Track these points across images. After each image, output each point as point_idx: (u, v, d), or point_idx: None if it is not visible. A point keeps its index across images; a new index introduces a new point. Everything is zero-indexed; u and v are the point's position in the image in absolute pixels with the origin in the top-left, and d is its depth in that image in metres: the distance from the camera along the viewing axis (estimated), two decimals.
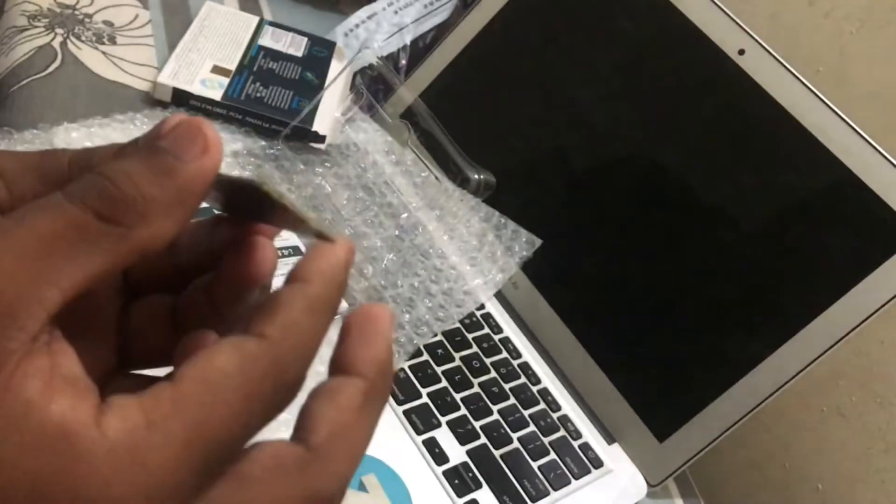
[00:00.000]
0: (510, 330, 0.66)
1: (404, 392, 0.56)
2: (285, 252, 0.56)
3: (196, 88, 0.63)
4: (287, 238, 0.57)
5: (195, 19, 0.72)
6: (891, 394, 0.71)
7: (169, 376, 0.19)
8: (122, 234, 0.19)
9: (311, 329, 0.20)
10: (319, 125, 0.65)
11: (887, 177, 0.54)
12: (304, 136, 0.65)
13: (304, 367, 0.20)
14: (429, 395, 0.57)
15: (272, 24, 0.76)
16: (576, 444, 0.61)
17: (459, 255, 0.63)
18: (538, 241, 0.63)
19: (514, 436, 0.59)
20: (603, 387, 0.64)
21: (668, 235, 0.62)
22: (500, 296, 0.68)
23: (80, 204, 0.19)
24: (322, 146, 0.66)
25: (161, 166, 0.19)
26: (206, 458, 0.19)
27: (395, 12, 0.79)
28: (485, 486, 0.55)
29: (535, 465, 0.58)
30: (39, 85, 0.60)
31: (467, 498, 0.53)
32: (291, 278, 0.20)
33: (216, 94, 0.63)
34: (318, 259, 0.20)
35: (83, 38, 0.66)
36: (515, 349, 0.65)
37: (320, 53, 0.75)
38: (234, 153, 0.62)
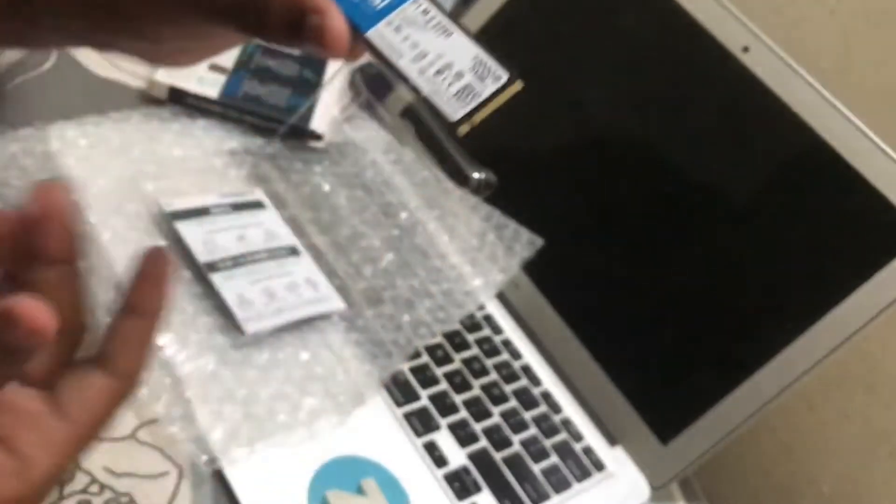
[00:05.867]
0: (511, 331, 0.66)
1: (404, 394, 0.55)
2: (280, 252, 0.55)
3: (193, 86, 0.62)
4: (281, 237, 0.56)
5: None
6: None
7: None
8: None
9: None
10: (317, 123, 0.65)
11: (893, 176, 0.53)
12: (301, 135, 0.64)
13: None
14: (429, 397, 0.57)
15: None
16: (578, 446, 0.61)
17: (459, 256, 0.63)
18: (539, 241, 0.63)
19: (516, 438, 0.58)
20: (605, 388, 0.63)
21: (671, 235, 0.62)
22: (501, 296, 0.68)
23: None
24: (320, 144, 0.65)
25: None
26: None
27: None
28: (485, 489, 0.54)
29: (536, 467, 0.57)
30: (34, 83, 0.60)
31: (468, 502, 0.53)
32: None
33: (213, 92, 0.63)
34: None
35: None
36: (516, 350, 0.64)
37: None
38: (231, 152, 0.61)
